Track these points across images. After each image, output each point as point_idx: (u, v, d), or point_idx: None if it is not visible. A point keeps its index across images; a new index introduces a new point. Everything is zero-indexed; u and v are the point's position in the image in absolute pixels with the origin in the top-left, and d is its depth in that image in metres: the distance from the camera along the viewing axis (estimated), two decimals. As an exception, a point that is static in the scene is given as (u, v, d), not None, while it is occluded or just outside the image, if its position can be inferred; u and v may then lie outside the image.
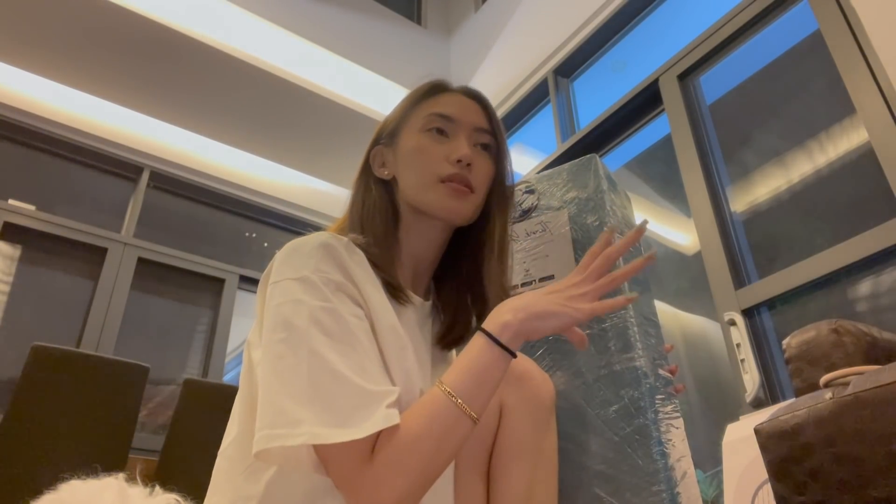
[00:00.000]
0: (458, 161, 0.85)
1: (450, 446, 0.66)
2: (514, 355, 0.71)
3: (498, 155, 0.92)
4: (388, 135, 0.93)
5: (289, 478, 0.69)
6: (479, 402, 0.68)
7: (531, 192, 1.13)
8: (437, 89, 0.93)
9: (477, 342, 0.71)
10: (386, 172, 0.91)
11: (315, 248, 0.74)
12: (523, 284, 1.08)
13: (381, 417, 0.63)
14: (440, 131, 0.88)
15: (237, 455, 0.74)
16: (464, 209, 0.86)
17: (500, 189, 0.93)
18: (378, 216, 0.86)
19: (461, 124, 0.89)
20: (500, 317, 0.71)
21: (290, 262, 0.74)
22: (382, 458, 0.63)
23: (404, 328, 0.79)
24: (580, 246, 1.04)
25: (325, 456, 0.64)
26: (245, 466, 0.72)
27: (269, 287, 0.73)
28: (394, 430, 0.64)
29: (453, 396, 0.66)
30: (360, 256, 0.79)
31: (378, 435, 0.64)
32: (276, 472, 0.69)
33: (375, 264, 0.81)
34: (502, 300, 0.78)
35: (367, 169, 0.93)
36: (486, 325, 0.72)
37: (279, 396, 0.64)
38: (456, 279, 0.94)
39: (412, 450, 0.63)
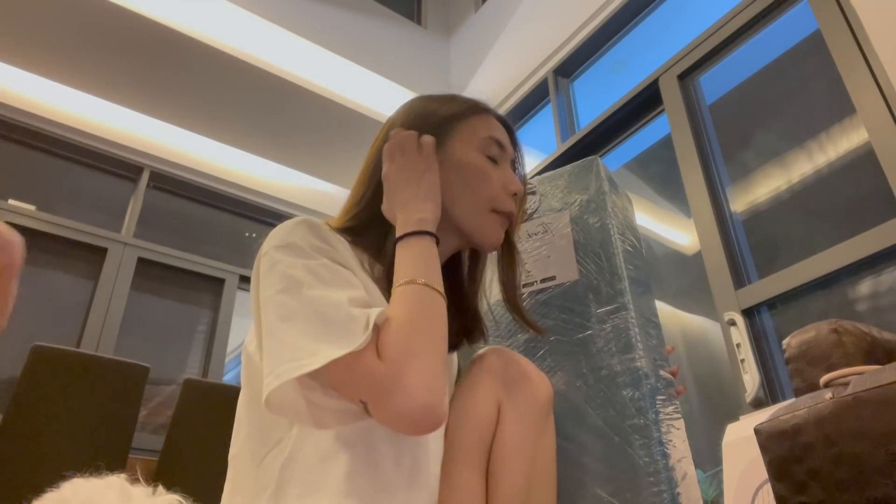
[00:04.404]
0: (514, 194, 0.89)
1: (438, 322, 0.71)
2: (437, 238, 0.79)
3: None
4: (426, 129, 0.90)
5: (299, 458, 0.70)
6: (437, 280, 0.74)
7: (532, 193, 1.14)
8: (483, 109, 0.94)
9: (411, 241, 0.77)
10: None
11: (299, 223, 0.77)
12: (525, 285, 1.08)
13: (372, 318, 0.67)
14: (495, 159, 0.90)
15: (249, 453, 0.75)
16: (501, 240, 0.90)
17: (520, 217, 0.97)
18: None
19: (507, 155, 0.92)
20: (412, 215, 0.79)
21: (277, 235, 0.77)
22: (389, 349, 0.65)
23: None
24: (581, 247, 1.05)
25: (344, 378, 0.66)
26: (259, 461, 0.73)
27: (262, 259, 0.75)
28: (386, 325, 0.68)
29: (415, 282, 0.72)
30: (344, 242, 0.80)
31: (376, 340, 0.67)
32: (287, 458, 0.70)
33: (363, 248, 0.84)
34: (518, 303, 0.88)
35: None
36: (407, 227, 0.78)
37: (291, 336, 0.66)
38: (460, 296, 0.94)
39: (410, 331, 0.67)
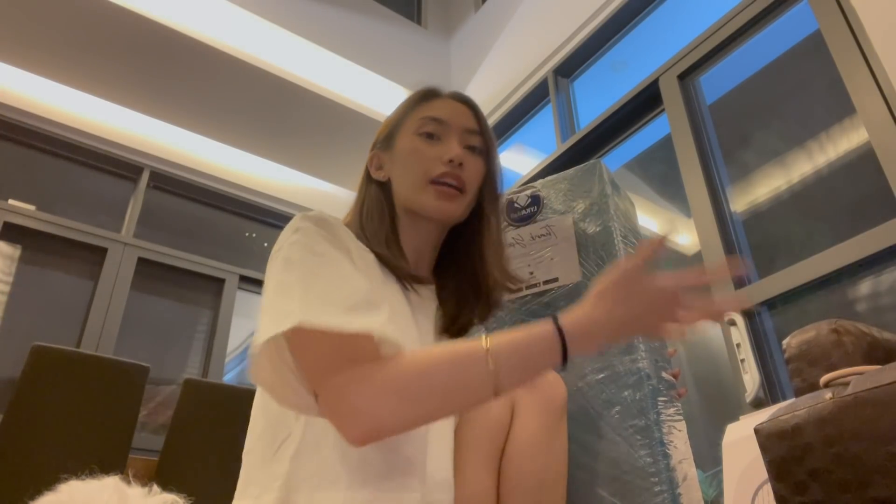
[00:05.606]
0: (451, 161, 0.89)
1: (458, 402, 0.65)
2: (566, 363, 0.65)
3: (488, 155, 0.96)
4: (384, 139, 0.97)
5: (308, 448, 0.71)
6: (511, 381, 0.64)
7: (536, 196, 1.14)
8: (429, 95, 0.97)
9: (546, 331, 0.65)
10: (382, 174, 0.94)
11: (313, 216, 0.78)
12: (527, 287, 1.08)
13: (375, 323, 0.64)
14: (432, 134, 0.91)
15: (263, 446, 0.75)
16: (453, 209, 0.89)
17: (491, 187, 0.96)
18: (376, 216, 0.90)
19: (452, 127, 0.92)
20: (590, 331, 0.65)
21: (289, 228, 0.78)
22: (391, 377, 0.63)
23: (406, 309, 0.83)
24: (584, 250, 1.05)
25: (310, 352, 0.64)
26: (272, 454, 0.73)
27: (277, 254, 0.76)
28: (412, 357, 0.64)
29: (490, 361, 0.62)
30: (356, 241, 0.82)
31: (378, 350, 0.64)
32: (296, 449, 0.71)
33: (381, 257, 0.84)
34: (508, 281, 0.90)
35: (367, 172, 0.97)
36: (570, 325, 0.65)
37: (273, 304, 0.66)
38: (455, 275, 0.96)
39: (423, 385, 0.63)
